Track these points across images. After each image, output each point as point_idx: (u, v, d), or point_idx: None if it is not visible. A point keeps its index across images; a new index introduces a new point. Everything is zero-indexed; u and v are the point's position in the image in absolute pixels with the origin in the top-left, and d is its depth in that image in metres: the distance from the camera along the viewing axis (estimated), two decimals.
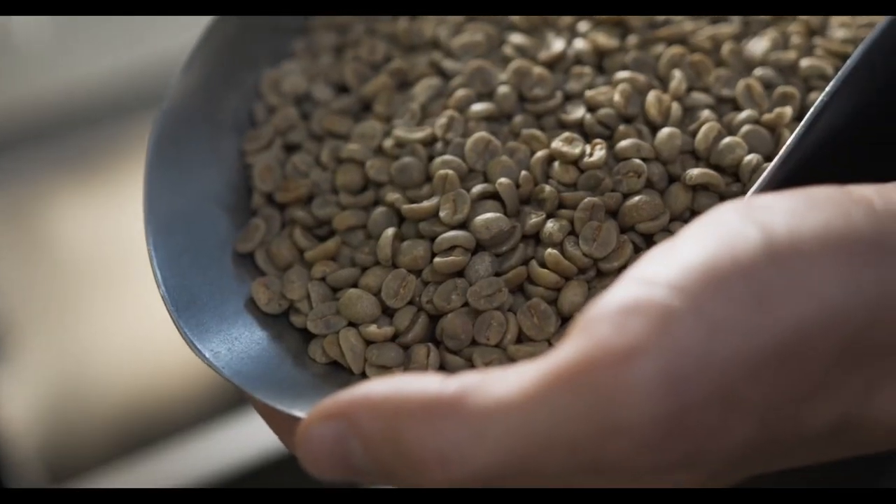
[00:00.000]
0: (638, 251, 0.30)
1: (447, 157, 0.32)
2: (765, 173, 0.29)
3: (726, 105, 0.33)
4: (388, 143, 0.33)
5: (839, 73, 0.31)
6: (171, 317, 0.30)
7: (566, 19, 0.35)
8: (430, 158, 0.33)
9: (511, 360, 0.29)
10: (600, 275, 0.30)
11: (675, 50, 0.34)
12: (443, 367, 0.30)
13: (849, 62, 0.31)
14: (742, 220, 0.25)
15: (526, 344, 0.30)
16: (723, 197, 0.31)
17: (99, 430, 0.72)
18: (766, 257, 0.24)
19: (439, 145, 0.33)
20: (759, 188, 0.29)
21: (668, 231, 0.31)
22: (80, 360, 0.75)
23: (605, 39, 0.34)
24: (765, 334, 0.24)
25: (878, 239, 0.25)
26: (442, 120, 0.33)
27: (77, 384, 0.74)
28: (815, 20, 0.35)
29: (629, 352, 0.23)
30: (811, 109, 0.30)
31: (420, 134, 0.33)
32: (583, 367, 0.23)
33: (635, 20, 0.35)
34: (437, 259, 0.30)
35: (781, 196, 0.26)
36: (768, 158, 0.31)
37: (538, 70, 0.34)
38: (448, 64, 0.35)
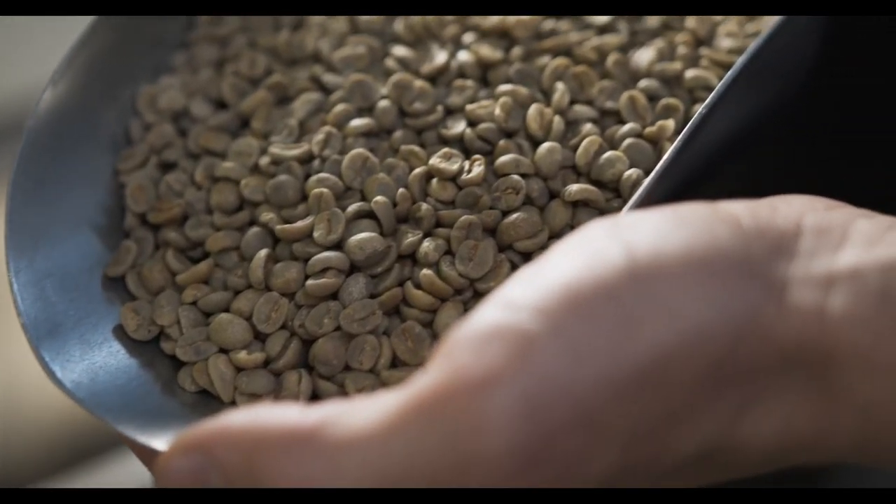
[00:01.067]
0: (515, 270, 0.30)
1: (323, 174, 0.31)
2: (640, 189, 0.28)
3: (610, 118, 0.32)
4: (264, 160, 0.32)
5: (719, 84, 0.31)
6: (31, 346, 0.29)
7: (451, 30, 0.35)
8: (308, 176, 0.32)
9: (385, 385, 0.28)
10: (477, 296, 0.29)
11: (559, 62, 0.33)
12: (315, 394, 0.29)
13: (730, 73, 0.31)
14: (608, 238, 0.24)
15: (400, 369, 0.29)
16: (603, 213, 0.30)
17: (34, 443, 0.71)
18: (629, 278, 0.24)
19: (316, 163, 0.32)
20: (635, 204, 0.28)
21: (547, 250, 0.30)
22: (13, 376, 0.74)
23: (488, 51, 0.34)
24: (627, 358, 0.23)
25: (742, 259, 0.24)
26: (319, 136, 0.32)
27: (11, 398, 0.72)
28: (702, 29, 0.34)
29: (487, 379, 0.23)
30: (689, 123, 0.29)
31: (296, 151, 0.32)
32: (440, 396, 0.23)
33: (520, 30, 0.34)
34: (309, 282, 0.30)
35: (649, 214, 0.25)
36: (650, 172, 0.31)
37: (419, 83, 0.33)
38: (328, 78, 0.34)
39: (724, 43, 0.34)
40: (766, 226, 0.25)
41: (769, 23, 0.35)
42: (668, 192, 0.30)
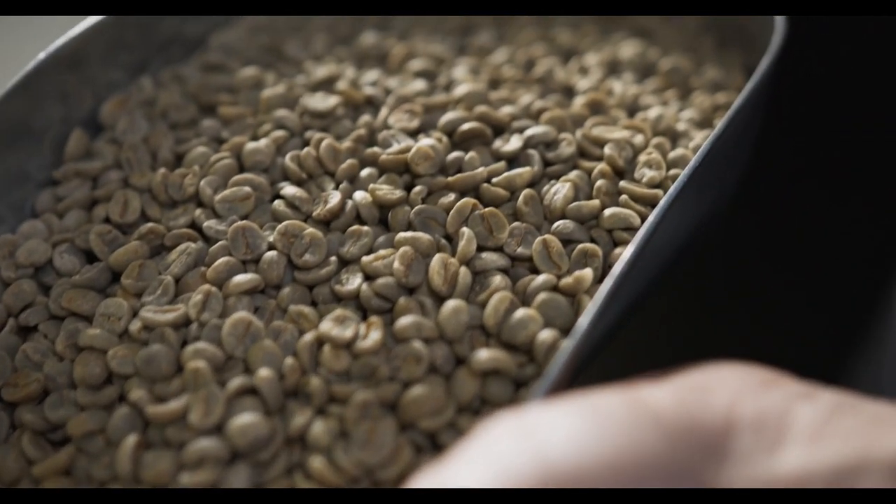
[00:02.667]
0: (420, 453, 0.26)
1: (201, 344, 0.28)
2: (555, 368, 0.25)
3: (522, 265, 0.29)
4: (134, 325, 0.29)
5: (642, 227, 0.28)
6: None
7: (344, 166, 0.31)
8: (184, 343, 0.28)
9: None
10: (376, 484, 0.26)
11: (465, 202, 0.30)
12: None
13: (654, 214, 0.28)
14: (517, 449, 0.21)
15: None
16: (517, 381, 0.27)
17: None
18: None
19: (194, 327, 0.28)
20: (545, 391, 0.25)
21: (454, 427, 0.26)
22: None
23: (386, 191, 0.30)
24: None
25: (670, 465, 0.21)
26: (197, 297, 0.28)
27: None
28: (620, 160, 0.31)
29: None
30: (611, 279, 0.26)
31: (171, 315, 0.28)
32: None
33: (422, 165, 0.31)
34: (184, 476, 0.26)
35: (563, 414, 0.22)
36: (566, 331, 0.27)
37: (310, 231, 0.30)
38: (209, 224, 0.30)
39: (646, 174, 0.31)
40: (695, 421, 0.22)
41: (691, 143, 0.33)
42: (587, 352, 0.27)
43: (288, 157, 0.32)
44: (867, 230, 0.46)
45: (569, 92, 0.36)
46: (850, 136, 0.46)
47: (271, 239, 0.30)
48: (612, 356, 0.32)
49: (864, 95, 0.46)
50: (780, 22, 0.35)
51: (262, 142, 0.32)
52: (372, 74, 0.35)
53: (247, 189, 0.31)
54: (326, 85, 0.35)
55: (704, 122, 0.35)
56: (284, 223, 0.30)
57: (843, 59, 0.45)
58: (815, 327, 0.47)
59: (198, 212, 0.31)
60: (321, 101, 0.34)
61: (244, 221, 0.30)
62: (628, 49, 0.38)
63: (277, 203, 0.31)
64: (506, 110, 0.33)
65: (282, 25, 0.38)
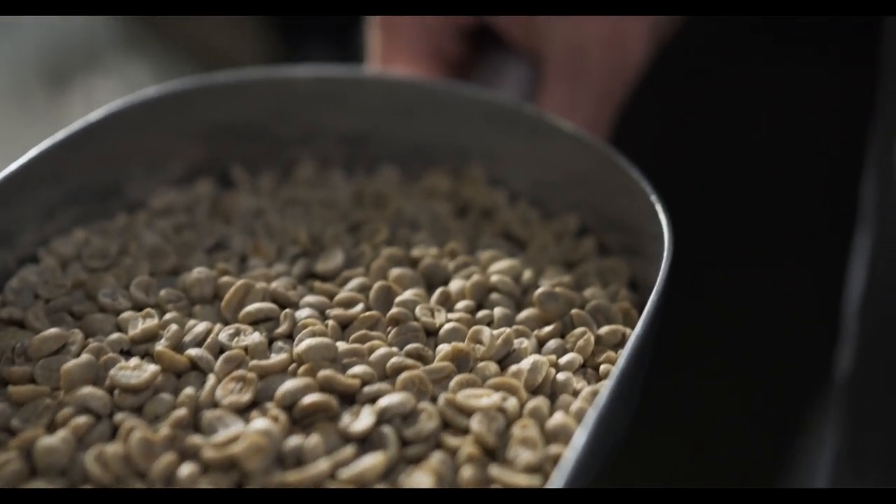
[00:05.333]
0: None
1: None
2: None
3: None
4: None
5: None
6: None
7: (160, 467, 0.26)
8: None
9: None
10: None
11: None
12: None
13: None
14: None
15: None
16: None
17: None
18: None
19: None
20: None
21: None
22: None
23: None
24: None
25: None
26: None
27: None
28: (490, 436, 0.27)
29: None
30: None
31: None
32: None
33: (251, 461, 0.26)
34: None
35: None
36: None
37: None
38: None
39: (520, 456, 0.26)
40: None
41: (573, 405, 0.28)
42: None
43: (91, 456, 0.26)
44: None
45: (431, 332, 0.31)
46: None
47: None
48: None
49: None
50: (668, 234, 0.31)
51: (60, 434, 0.27)
52: (201, 325, 0.30)
53: None
54: (144, 344, 0.29)
55: (588, 364, 0.30)
56: None
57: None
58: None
59: None
60: (135, 374, 0.28)
61: None
62: (499, 267, 0.33)
63: None
64: (356, 371, 0.28)
65: (97, 252, 0.33)
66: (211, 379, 0.28)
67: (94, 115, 0.34)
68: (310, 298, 0.32)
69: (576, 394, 0.29)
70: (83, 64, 1.36)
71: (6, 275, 0.32)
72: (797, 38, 0.45)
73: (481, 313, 0.32)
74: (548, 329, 0.31)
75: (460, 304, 0.32)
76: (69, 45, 1.38)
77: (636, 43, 0.38)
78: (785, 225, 0.46)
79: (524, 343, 0.30)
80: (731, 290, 0.47)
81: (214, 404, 0.28)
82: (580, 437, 0.25)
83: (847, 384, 0.40)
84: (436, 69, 0.39)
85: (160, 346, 0.29)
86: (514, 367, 0.29)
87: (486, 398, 0.28)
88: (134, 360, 0.29)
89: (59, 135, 0.33)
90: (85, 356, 0.29)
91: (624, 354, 0.28)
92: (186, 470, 0.26)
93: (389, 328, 0.31)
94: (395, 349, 0.30)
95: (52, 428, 0.27)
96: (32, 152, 0.32)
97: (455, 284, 0.33)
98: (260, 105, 0.37)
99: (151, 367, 0.28)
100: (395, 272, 0.33)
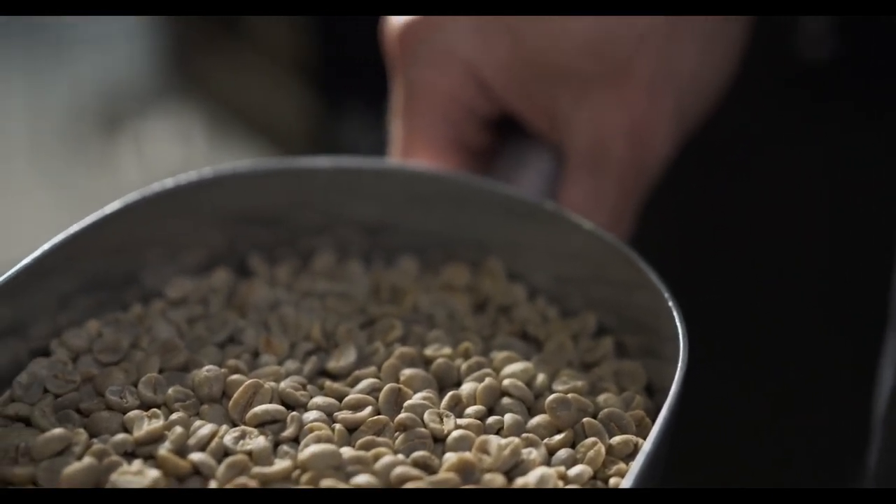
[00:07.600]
0: None
1: None
2: None
3: None
4: None
5: None
6: None
7: None
8: None
9: None
10: None
11: None
12: None
13: None
14: None
15: None
16: None
17: None
18: None
19: None
20: None
21: None
22: None
23: None
24: None
25: None
26: None
27: None
28: None
29: None
30: None
31: None
32: None
33: None
34: None
35: None
36: None
37: None
38: None
39: None
40: None
41: None
42: None
43: None
44: None
45: (439, 439, 0.30)
46: None
47: None
48: None
49: None
50: (683, 338, 0.31)
51: None
52: (206, 428, 0.30)
53: None
54: (147, 446, 0.29)
55: (599, 476, 0.30)
56: None
57: None
58: None
59: None
60: (136, 479, 0.28)
61: None
62: (512, 370, 0.33)
63: None
64: (359, 482, 0.28)
65: (109, 346, 0.33)
66: (213, 485, 0.28)
67: (111, 206, 0.34)
68: (318, 400, 0.31)
69: None
70: (135, 109, 1.38)
71: (18, 368, 0.32)
72: (819, 137, 0.44)
73: (492, 419, 0.31)
74: (558, 437, 0.31)
75: (470, 410, 0.31)
76: (122, 91, 1.41)
77: (659, 136, 0.37)
78: (812, 330, 0.45)
79: (532, 454, 0.30)
80: (751, 396, 0.46)
81: None
82: None
83: (875, 484, 0.39)
84: (458, 159, 0.39)
85: (163, 449, 0.29)
86: (520, 480, 0.29)
87: None
88: (136, 464, 0.28)
89: (75, 227, 0.33)
90: (87, 460, 0.28)
91: (633, 471, 0.27)
92: None
93: (397, 433, 0.30)
94: (401, 457, 0.29)
95: None
96: (47, 245, 0.32)
97: (467, 387, 0.32)
98: (280, 194, 0.37)
99: (153, 473, 0.28)
100: (407, 373, 0.32)
